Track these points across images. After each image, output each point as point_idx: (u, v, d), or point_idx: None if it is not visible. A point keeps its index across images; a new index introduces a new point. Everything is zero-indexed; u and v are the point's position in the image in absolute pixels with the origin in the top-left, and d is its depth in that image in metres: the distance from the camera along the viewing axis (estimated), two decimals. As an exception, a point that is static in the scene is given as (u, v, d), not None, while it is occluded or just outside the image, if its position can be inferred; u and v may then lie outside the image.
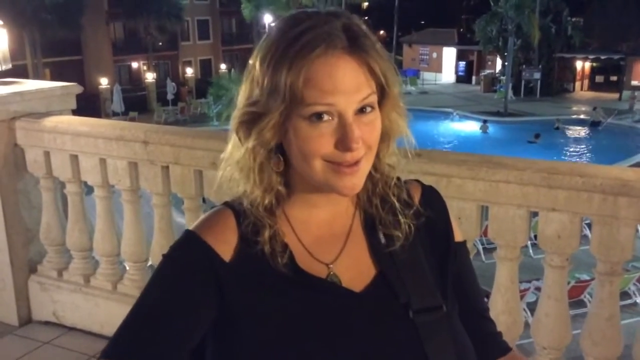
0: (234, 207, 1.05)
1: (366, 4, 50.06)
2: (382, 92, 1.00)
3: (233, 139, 1.03)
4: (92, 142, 3.15)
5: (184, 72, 39.21)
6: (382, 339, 1.00)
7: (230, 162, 1.04)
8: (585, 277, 9.73)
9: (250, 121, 0.99)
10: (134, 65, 38.66)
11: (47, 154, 3.32)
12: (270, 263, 1.00)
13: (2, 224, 3.37)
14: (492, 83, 39.42)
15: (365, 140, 0.97)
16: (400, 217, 1.07)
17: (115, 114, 30.25)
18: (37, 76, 29.05)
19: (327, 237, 1.06)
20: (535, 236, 2.35)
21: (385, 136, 1.03)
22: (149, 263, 3.34)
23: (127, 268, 3.41)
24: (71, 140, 3.21)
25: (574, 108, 34.24)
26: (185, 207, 3.07)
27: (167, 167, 3.03)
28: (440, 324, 1.03)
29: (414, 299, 1.02)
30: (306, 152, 0.96)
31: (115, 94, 31.22)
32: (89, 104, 28.38)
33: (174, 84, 34.48)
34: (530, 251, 9.32)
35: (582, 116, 31.63)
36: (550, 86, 37.79)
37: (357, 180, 0.98)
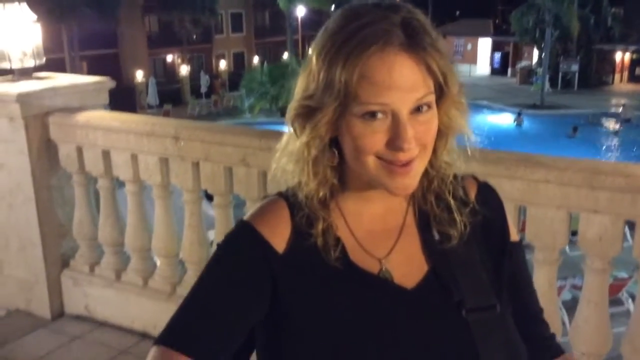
0: (288, 199, 1.05)
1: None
2: (441, 91, 0.97)
3: (288, 130, 1.03)
4: (123, 138, 3.15)
5: (217, 65, 39.45)
6: (432, 337, 0.99)
7: (285, 154, 1.04)
8: (623, 275, 9.47)
9: (306, 115, 0.98)
10: (169, 58, 39.02)
11: (79, 149, 3.33)
12: (322, 256, 1.00)
13: (35, 219, 3.41)
14: (528, 75, 38.67)
15: (420, 140, 0.95)
16: (455, 215, 1.05)
17: (150, 107, 30.65)
18: (75, 69, 29.57)
19: (379, 231, 1.05)
20: (573, 232, 2.25)
21: (442, 133, 1.00)
22: (180, 258, 3.34)
23: (158, 263, 3.41)
24: (103, 136, 3.22)
25: (613, 101, 33.41)
26: (215, 203, 3.05)
27: (198, 164, 3.01)
28: (493, 323, 1.01)
29: (467, 297, 1.01)
30: (359, 149, 0.95)
31: (151, 87, 31.61)
32: (125, 97, 28.80)
33: (207, 76, 34.74)
34: (567, 248, 9.10)
35: (613, 110, 30.80)
36: (588, 78, 36.95)
37: (409, 180, 0.97)
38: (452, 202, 1.05)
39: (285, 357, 0.99)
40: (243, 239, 1.02)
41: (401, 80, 0.91)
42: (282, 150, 1.05)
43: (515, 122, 28.54)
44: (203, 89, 33.70)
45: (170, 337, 0.96)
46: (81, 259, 3.55)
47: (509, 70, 42.08)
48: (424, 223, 1.06)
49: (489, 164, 2.27)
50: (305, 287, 1.00)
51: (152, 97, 31.34)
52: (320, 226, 1.00)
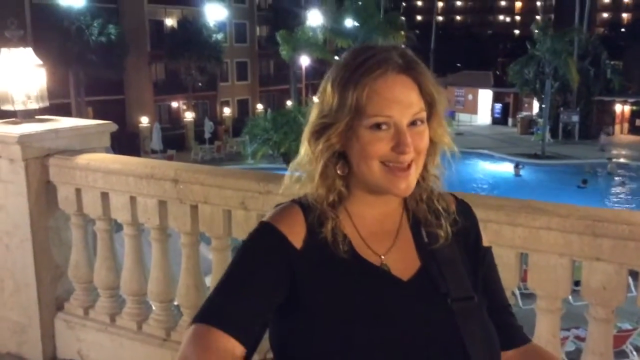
0: (301, 203, 1.21)
1: (402, 46, 50.51)
2: (430, 110, 1.17)
3: (305, 146, 1.20)
4: (123, 180, 3.14)
5: (222, 112, 39.91)
6: (423, 320, 1.14)
7: (300, 165, 1.21)
8: (627, 326, 9.31)
9: (320, 130, 1.17)
10: (174, 104, 39.51)
11: (78, 191, 3.31)
12: (333, 250, 1.15)
13: (31, 260, 3.36)
14: (529, 125, 39.06)
15: (416, 147, 1.14)
16: (442, 220, 1.23)
17: (154, 152, 30.83)
18: (80, 114, 29.86)
19: (380, 232, 1.21)
20: (576, 282, 2.20)
21: (431, 149, 1.19)
22: (175, 303, 3.27)
23: (154, 308, 3.34)
24: (102, 178, 3.20)
25: (614, 152, 33.58)
26: (213, 246, 3.01)
27: (196, 206, 2.99)
28: (472, 311, 1.17)
29: (451, 289, 1.17)
30: (366, 154, 1.13)
31: (155, 132, 31.87)
32: (129, 142, 29.05)
33: (211, 123, 35.08)
34: (570, 298, 8.91)
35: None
36: (589, 129, 37.24)
37: (409, 182, 1.15)
38: (440, 208, 1.24)
39: (300, 335, 1.12)
40: (266, 236, 1.17)
41: (401, 96, 1.13)
42: (297, 163, 1.22)
43: (515, 173, 28.51)
44: (207, 135, 33.99)
45: (207, 315, 1.10)
46: (76, 301, 3.48)
47: (510, 120, 42.51)
48: (416, 226, 1.24)
49: (490, 210, 2.24)
50: (319, 276, 1.15)
51: (156, 143, 31.56)
52: (330, 225, 1.17)
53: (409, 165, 1.13)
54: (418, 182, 1.19)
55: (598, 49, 37.17)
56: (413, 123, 1.13)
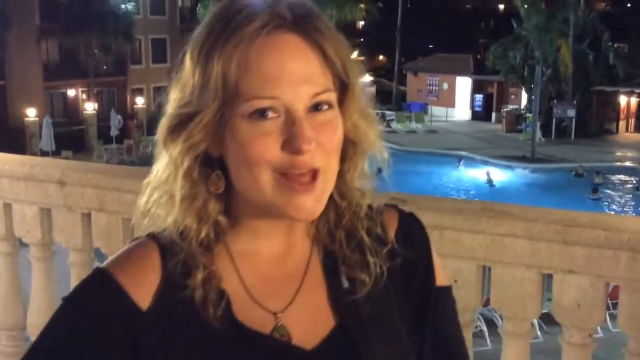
0: (160, 240, 1.04)
1: (362, 23, 51.15)
2: (343, 88, 1.00)
3: (162, 155, 1.03)
4: (-6, 183, 3.12)
5: (133, 103, 39.45)
6: None
7: (157, 184, 1.04)
8: None
9: (180, 125, 0.99)
10: (71, 92, 38.86)
11: (-64, 197, 3.27)
12: (200, 313, 0.99)
13: None
14: (516, 121, 40.01)
15: (323, 145, 0.96)
16: (369, 257, 1.07)
17: (44, 153, 30.20)
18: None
19: (277, 277, 1.06)
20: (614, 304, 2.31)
21: (351, 150, 1.03)
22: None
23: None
24: (-33, 180, 3.17)
25: (618, 153, 34.64)
26: (110, 266, 3.01)
27: (89, 215, 3.00)
28: None
29: (379, 358, 1.03)
30: (249, 159, 0.95)
31: (45, 128, 31.22)
32: (11, 141, 28.40)
33: (119, 116, 34.61)
34: (609, 323, 9.05)
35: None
36: (587, 126, 38.33)
37: (313, 201, 0.97)
38: (366, 240, 1.07)
39: None
40: (97, 292, 1.01)
41: (293, 66, 0.94)
42: (153, 183, 1.05)
43: (487, 182, 28.76)
44: (114, 132, 33.51)
45: None
46: None
47: (493, 115, 43.45)
48: (331, 267, 1.08)
49: (446, 214, 2.35)
50: (175, 353, 0.99)
51: (46, 141, 30.91)
52: (199, 275, 1.00)
53: (315, 173, 0.96)
54: (334, 202, 1.05)
55: (598, 28, 38.13)
56: (316, 108, 0.96)
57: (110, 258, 1.06)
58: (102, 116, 35.70)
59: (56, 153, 30.18)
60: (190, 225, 1.01)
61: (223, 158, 1.00)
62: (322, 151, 0.96)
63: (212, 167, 1.01)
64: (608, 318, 2.37)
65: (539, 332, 9.22)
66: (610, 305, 2.41)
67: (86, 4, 35.51)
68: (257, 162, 0.95)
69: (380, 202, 1.12)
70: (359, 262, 1.07)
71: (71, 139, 32.86)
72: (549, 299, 2.32)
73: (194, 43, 0.99)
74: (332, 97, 0.98)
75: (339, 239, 1.08)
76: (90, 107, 36.48)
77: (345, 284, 1.07)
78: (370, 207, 1.10)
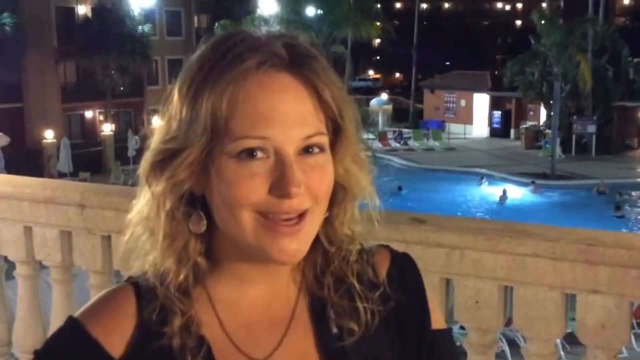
0: (139, 285, 1.02)
1: (378, 40, 51.29)
2: (335, 130, 0.98)
3: (144, 191, 1.01)
4: (15, 206, 3.15)
5: (150, 123, 39.48)
6: None
7: (139, 220, 1.02)
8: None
9: (164, 161, 0.97)
10: (88, 114, 39.22)
11: (-43, 221, 3.31)
12: None
13: None
14: (535, 138, 39.86)
15: (312, 189, 0.94)
16: (359, 303, 1.04)
17: (61, 175, 30.44)
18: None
19: (261, 324, 1.03)
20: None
21: (341, 194, 1.01)
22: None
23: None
24: (-11, 204, 3.21)
25: (639, 170, 34.36)
26: (130, 288, 3.03)
27: (109, 237, 3.02)
28: None
29: None
30: (232, 200, 0.93)
31: (63, 150, 31.49)
32: (29, 163, 28.71)
33: (136, 137, 34.73)
34: (634, 343, 8.95)
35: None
36: (608, 142, 38.13)
37: (298, 243, 0.95)
38: (356, 286, 1.04)
39: None
40: (67, 344, 0.99)
41: (285, 107, 0.92)
42: (134, 220, 1.04)
43: (499, 201, 28.57)
44: (131, 153, 33.69)
45: None
46: (-46, 363, 3.45)
47: (512, 132, 43.32)
48: (318, 313, 1.05)
49: (467, 234, 2.35)
50: None
51: (64, 163, 31.15)
52: (177, 322, 0.97)
53: (302, 214, 0.94)
54: (322, 248, 1.03)
55: (618, 43, 38.12)
56: (306, 150, 0.94)
57: (85, 305, 1.03)
58: (120, 137, 35.93)
59: (74, 174, 30.40)
60: (170, 267, 0.99)
61: (205, 197, 0.98)
62: (310, 196, 0.94)
63: (194, 206, 0.99)
64: (633, 338, 2.33)
65: (562, 352, 9.17)
66: (635, 324, 2.39)
67: (103, 25, 35.91)
68: (240, 204, 0.93)
69: (397, 229, 1.11)
70: (348, 309, 1.04)
71: (89, 160, 33.10)
72: (572, 319, 2.31)
73: (184, 77, 0.97)
74: (324, 140, 0.96)
75: (327, 285, 1.05)
76: (107, 129, 36.74)
77: (335, 330, 1.04)
78: (361, 250, 1.07)
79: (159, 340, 0.97)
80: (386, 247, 1.13)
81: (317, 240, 1.01)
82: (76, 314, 1.02)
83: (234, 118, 0.91)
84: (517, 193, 29.87)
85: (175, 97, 0.97)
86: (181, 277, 0.99)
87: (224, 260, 1.01)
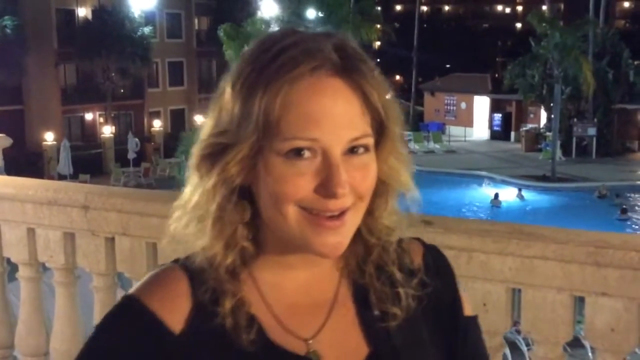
0: (188, 268, 1.05)
1: (378, 43, 51.36)
2: (380, 130, 1.01)
3: (192, 180, 1.04)
4: (17, 208, 3.14)
5: (150, 126, 39.79)
6: None
7: (187, 209, 1.05)
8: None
9: (215, 154, 1.00)
10: (88, 116, 39.22)
11: (-40, 223, 3.30)
12: (233, 339, 1.01)
13: None
14: (535, 140, 39.89)
15: (356, 188, 0.98)
16: (400, 288, 1.09)
17: (61, 177, 30.44)
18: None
19: (305, 306, 1.07)
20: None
21: (382, 189, 1.05)
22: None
23: (58, 371, 3.33)
24: (-9, 205, 3.20)
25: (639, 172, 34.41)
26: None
27: (113, 239, 3.01)
28: None
29: None
30: (278, 195, 0.97)
31: (63, 152, 31.49)
32: (30, 165, 28.72)
33: (137, 139, 34.86)
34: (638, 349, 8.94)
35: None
36: (609, 144, 38.20)
37: (340, 238, 0.99)
38: (396, 274, 1.09)
39: None
40: (129, 318, 1.03)
41: (335, 110, 0.95)
42: (183, 206, 1.06)
43: (493, 204, 28.54)
44: (131, 155, 33.73)
45: None
46: (-44, 365, 3.44)
47: (512, 134, 43.35)
48: (361, 298, 1.09)
49: (474, 236, 2.33)
50: None
51: (64, 165, 31.15)
52: (228, 303, 1.01)
53: (343, 212, 0.98)
54: (363, 238, 1.07)
55: (618, 46, 38.22)
56: (352, 151, 0.97)
57: (137, 285, 1.06)
58: (120, 139, 35.98)
59: (74, 177, 30.41)
60: (218, 251, 1.02)
61: (252, 187, 1.01)
62: (354, 194, 0.98)
63: (241, 195, 1.02)
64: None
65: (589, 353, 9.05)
66: (643, 327, 2.37)
67: (104, 28, 35.92)
68: (286, 200, 0.97)
69: (406, 231, 1.13)
70: (390, 294, 1.09)
71: (89, 162, 33.16)
72: (578, 321, 2.30)
73: (237, 74, 1.00)
74: (370, 141, 1.00)
75: (368, 273, 1.09)
76: (107, 131, 36.82)
77: (377, 312, 1.08)
78: (399, 241, 1.12)
79: (213, 319, 1.01)
80: (417, 239, 1.18)
81: (358, 231, 1.05)
82: (131, 291, 1.05)
83: (285, 119, 0.95)
84: (517, 196, 29.87)
85: (228, 92, 1.00)
86: (229, 260, 1.03)
87: (268, 247, 1.05)
